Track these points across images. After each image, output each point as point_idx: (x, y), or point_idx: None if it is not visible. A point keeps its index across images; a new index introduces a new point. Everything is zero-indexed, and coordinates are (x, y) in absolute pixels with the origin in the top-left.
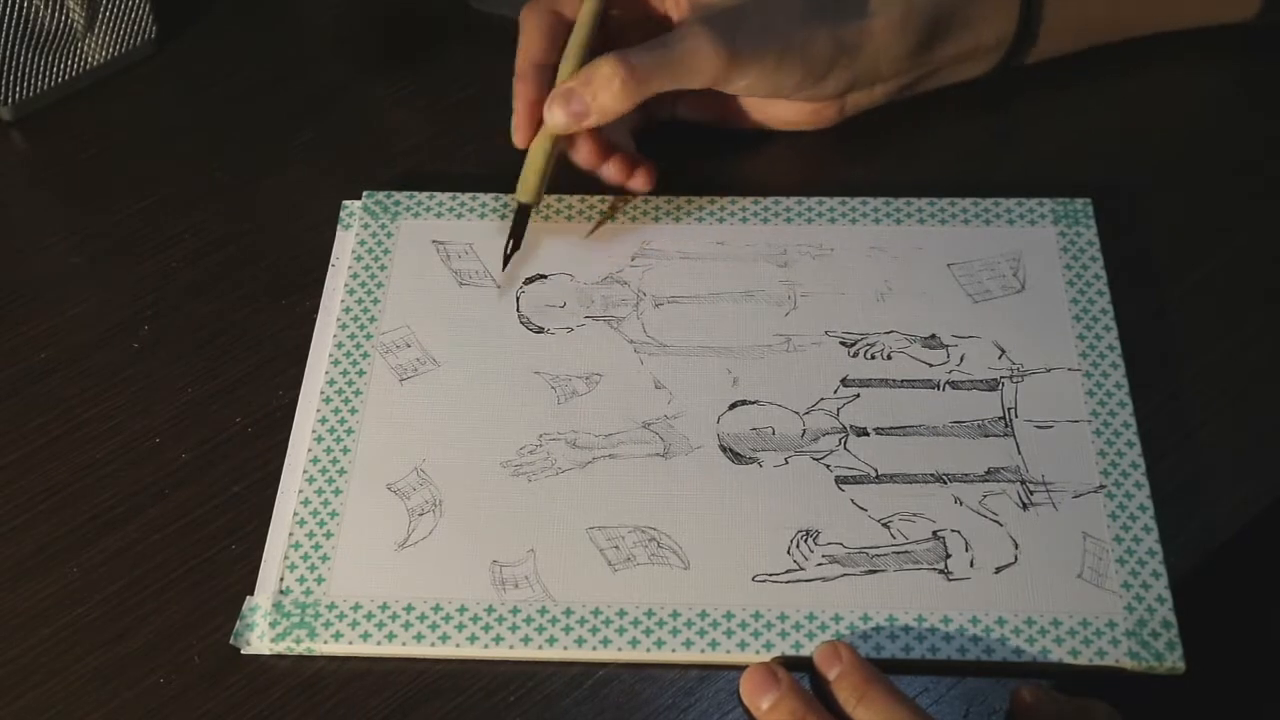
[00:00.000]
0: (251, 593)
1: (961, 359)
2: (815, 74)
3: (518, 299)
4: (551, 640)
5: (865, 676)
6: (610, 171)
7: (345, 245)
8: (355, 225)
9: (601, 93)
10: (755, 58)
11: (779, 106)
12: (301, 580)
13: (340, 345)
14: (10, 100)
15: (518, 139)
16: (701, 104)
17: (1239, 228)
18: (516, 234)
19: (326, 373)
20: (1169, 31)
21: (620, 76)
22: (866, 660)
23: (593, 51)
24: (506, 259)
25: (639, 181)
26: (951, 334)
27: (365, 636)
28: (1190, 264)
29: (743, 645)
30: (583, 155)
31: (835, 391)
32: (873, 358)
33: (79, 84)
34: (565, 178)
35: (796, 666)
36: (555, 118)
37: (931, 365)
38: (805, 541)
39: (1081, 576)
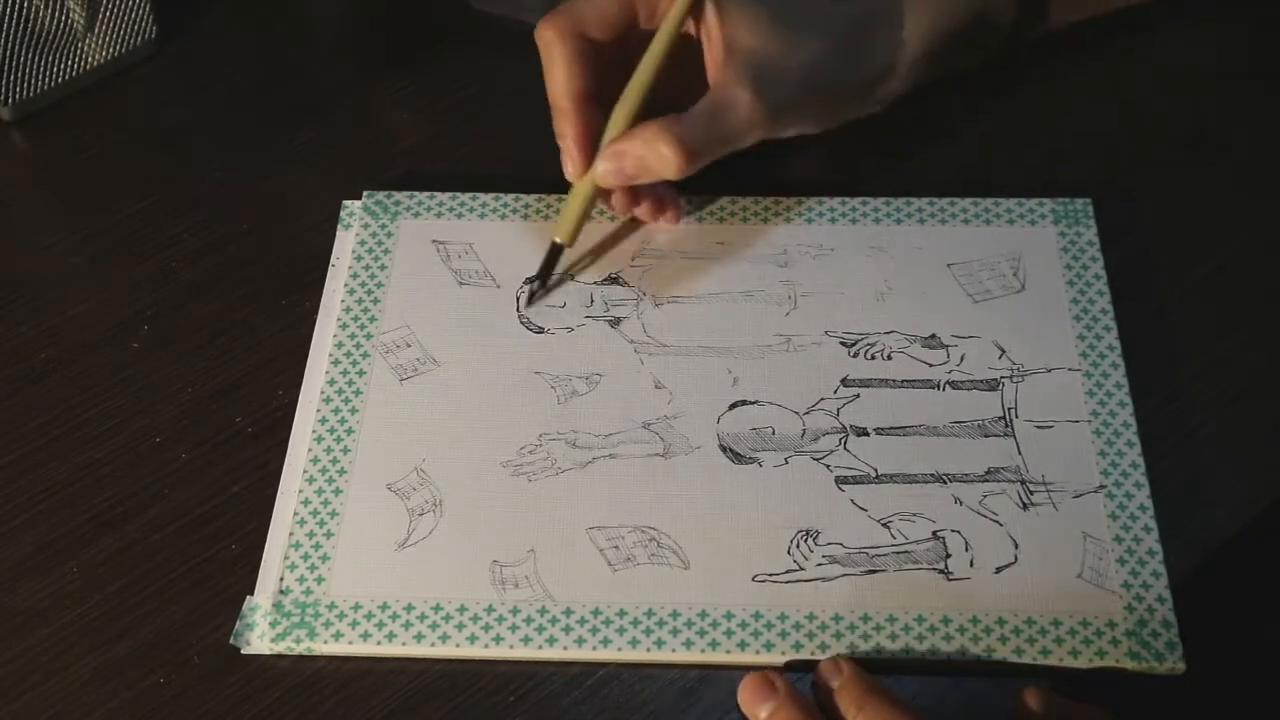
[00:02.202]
0: (251, 593)
1: (961, 359)
2: (849, 112)
3: (518, 299)
4: (551, 640)
5: (865, 687)
6: (641, 213)
7: (345, 245)
8: (355, 225)
9: (655, 164)
10: (797, 113)
11: None
12: (301, 580)
13: (340, 345)
14: (10, 100)
15: (571, 173)
16: None
17: (1239, 228)
18: (544, 274)
19: (326, 373)
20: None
21: (677, 161)
22: (867, 673)
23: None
24: (532, 297)
25: (669, 219)
26: (951, 334)
27: (365, 636)
28: (1190, 264)
29: (743, 645)
30: (617, 205)
31: (835, 391)
32: (873, 358)
33: (79, 84)
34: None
35: (796, 669)
36: (606, 178)
37: (931, 365)
38: (805, 541)
39: (1081, 576)
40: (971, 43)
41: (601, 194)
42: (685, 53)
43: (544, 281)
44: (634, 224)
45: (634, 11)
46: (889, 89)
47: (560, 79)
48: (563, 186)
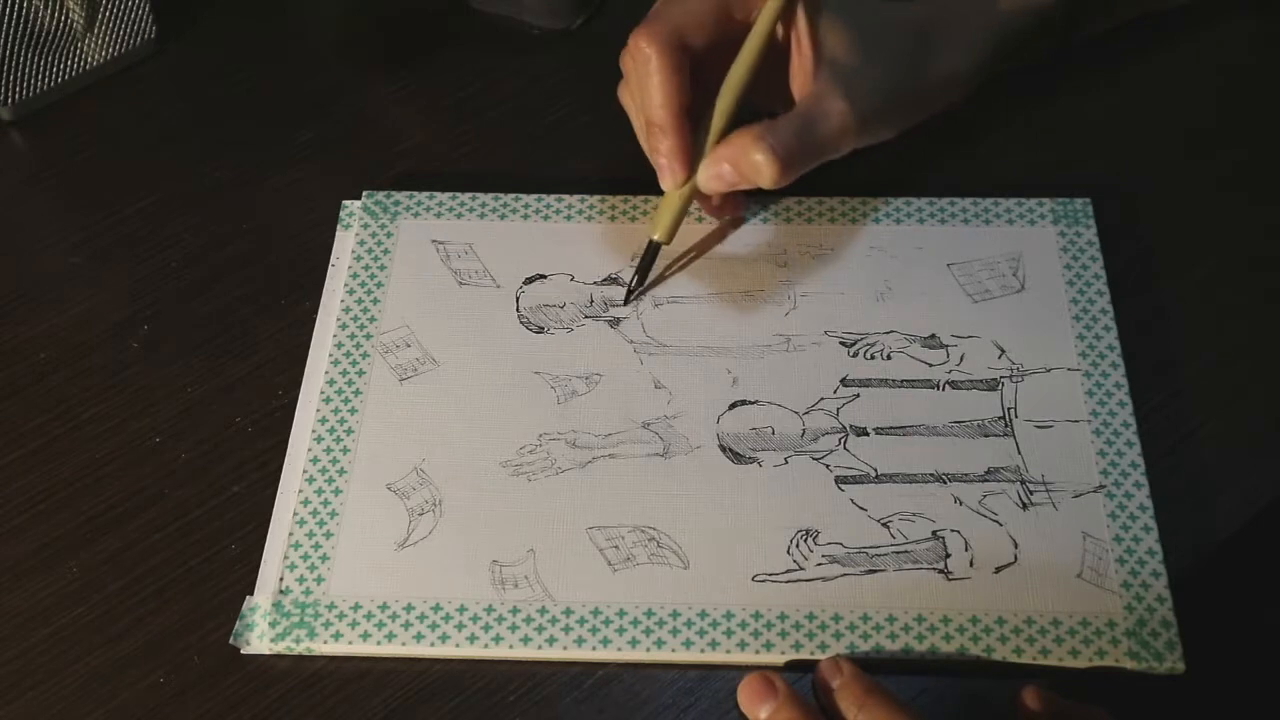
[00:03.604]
0: (251, 593)
1: (961, 359)
2: (922, 115)
3: (517, 299)
4: (551, 640)
5: (865, 687)
6: (719, 210)
7: (345, 245)
8: (355, 225)
9: (751, 174)
10: (883, 122)
11: None
12: (301, 580)
13: (340, 345)
14: (10, 100)
15: (670, 186)
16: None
17: (1239, 228)
18: (643, 271)
19: (326, 373)
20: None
21: (771, 172)
22: (866, 673)
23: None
24: (630, 293)
25: (735, 212)
26: (951, 334)
27: (365, 636)
28: (1190, 264)
29: (743, 645)
30: (710, 209)
31: (835, 391)
32: (872, 358)
33: (79, 84)
34: (566, 179)
35: (796, 669)
36: (710, 184)
37: (931, 365)
38: (805, 541)
39: (1081, 576)
40: (1028, 44)
41: (700, 199)
42: (772, 56)
43: (643, 279)
44: (634, 224)
45: (727, 11)
46: (956, 91)
47: (660, 93)
48: (563, 187)
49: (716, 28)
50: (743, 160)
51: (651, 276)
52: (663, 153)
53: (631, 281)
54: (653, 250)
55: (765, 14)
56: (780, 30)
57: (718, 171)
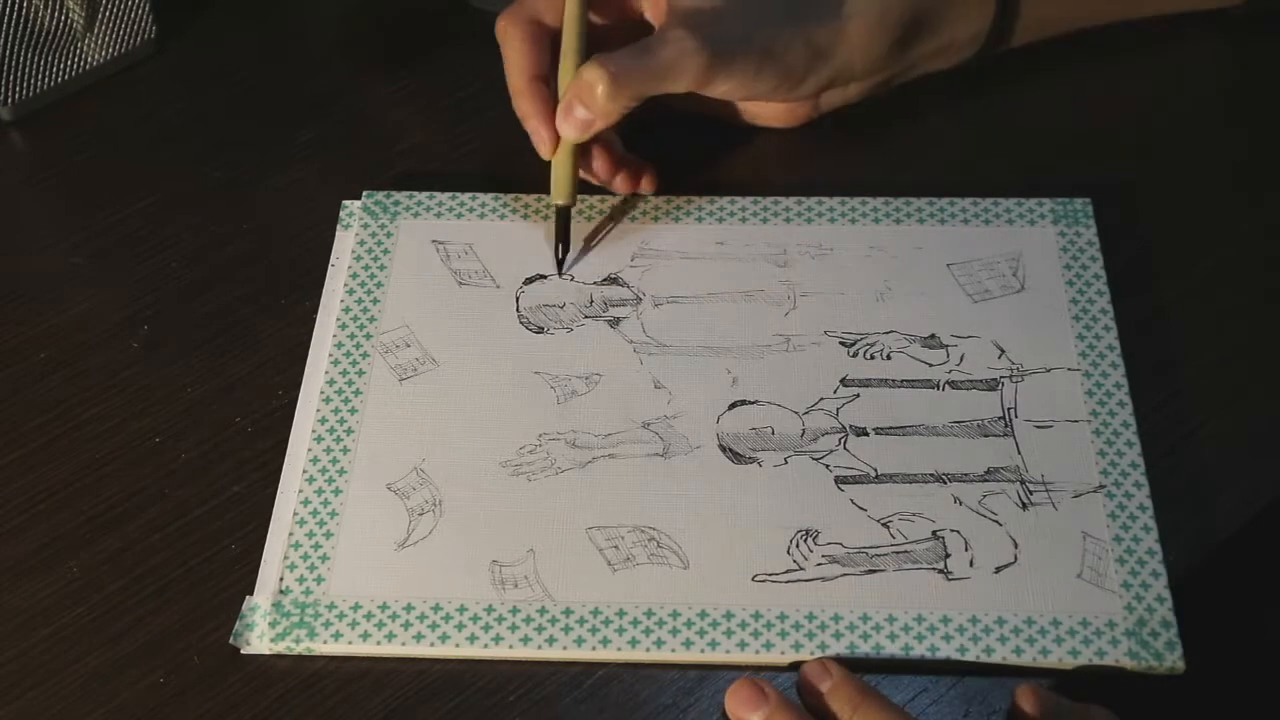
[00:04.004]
0: (251, 593)
1: (961, 359)
2: (792, 79)
3: (517, 299)
4: (551, 640)
5: (858, 687)
6: (620, 183)
7: (345, 245)
8: (355, 225)
9: (591, 100)
10: (734, 64)
11: (754, 105)
12: (301, 580)
13: (340, 345)
14: (10, 100)
15: (543, 151)
16: (680, 99)
17: (1239, 228)
18: (562, 236)
19: (326, 372)
20: (1163, 15)
21: (603, 86)
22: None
23: (584, 54)
24: (560, 263)
25: (646, 185)
26: (951, 334)
27: (365, 636)
28: (1190, 264)
29: (742, 645)
30: (599, 168)
31: (835, 391)
32: (872, 358)
33: (79, 84)
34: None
35: (795, 669)
36: (566, 132)
37: (931, 365)
38: (805, 541)
39: (1081, 576)
40: (939, 49)
41: (583, 163)
42: (636, 34)
43: (565, 245)
44: (634, 224)
45: None
46: (835, 69)
47: (515, 62)
48: None
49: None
50: (580, 86)
51: (658, 271)
52: (527, 116)
53: (557, 252)
54: (562, 215)
55: None
56: (642, 6)
57: (566, 106)
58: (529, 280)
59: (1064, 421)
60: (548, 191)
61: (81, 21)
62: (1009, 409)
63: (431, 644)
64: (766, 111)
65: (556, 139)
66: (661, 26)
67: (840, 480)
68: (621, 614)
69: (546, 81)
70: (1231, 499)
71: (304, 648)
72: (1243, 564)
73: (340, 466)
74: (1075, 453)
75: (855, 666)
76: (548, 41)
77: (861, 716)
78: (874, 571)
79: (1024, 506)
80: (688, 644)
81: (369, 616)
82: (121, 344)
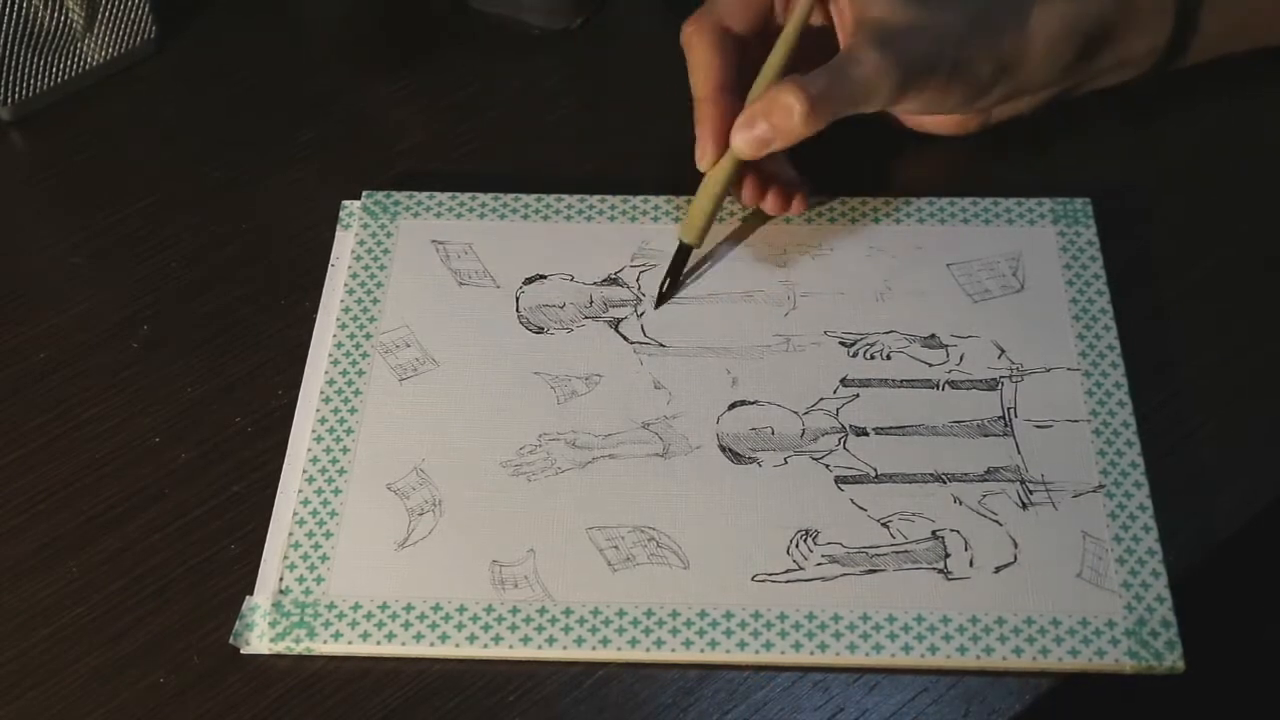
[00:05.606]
0: (251, 593)
1: (961, 359)
2: (977, 93)
3: (517, 299)
4: (551, 640)
5: None
6: (769, 205)
7: (345, 245)
8: (355, 225)
9: (783, 122)
10: (924, 82)
11: (927, 117)
12: (301, 580)
13: (340, 345)
14: (10, 100)
15: (704, 162)
16: None
17: (1239, 227)
18: (674, 273)
19: (326, 372)
20: None
21: (801, 109)
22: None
23: (785, 72)
24: (662, 298)
25: (796, 206)
26: (951, 334)
27: (365, 636)
28: (1190, 264)
29: (742, 645)
30: (746, 196)
31: (835, 391)
32: (872, 358)
33: (79, 84)
34: (566, 179)
35: (795, 669)
36: (740, 144)
37: (931, 365)
38: (805, 541)
39: (1081, 576)
40: (1115, 64)
41: (733, 188)
42: (822, 42)
43: (674, 280)
44: (634, 224)
45: (770, 3)
46: (1012, 80)
47: (701, 69)
48: (562, 186)
49: (760, 18)
50: (773, 107)
51: (654, 277)
52: (702, 124)
53: (663, 286)
54: (682, 253)
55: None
56: (821, 16)
57: (748, 121)
58: (529, 280)
59: (1064, 421)
60: (548, 191)
61: (81, 21)
62: (1009, 409)
63: (431, 644)
64: (936, 121)
65: (721, 153)
66: (850, 45)
67: (840, 480)
68: (621, 614)
69: (733, 91)
70: (1231, 499)
71: (304, 648)
72: (1243, 564)
73: (340, 466)
74: (1075, 452)
75: (855, 667)
76: (734, 49)
77: None
78: (874, 571)
79: (1024, 506)
80: (688, 644)
81: (369, 616)
82: (121, 344)
